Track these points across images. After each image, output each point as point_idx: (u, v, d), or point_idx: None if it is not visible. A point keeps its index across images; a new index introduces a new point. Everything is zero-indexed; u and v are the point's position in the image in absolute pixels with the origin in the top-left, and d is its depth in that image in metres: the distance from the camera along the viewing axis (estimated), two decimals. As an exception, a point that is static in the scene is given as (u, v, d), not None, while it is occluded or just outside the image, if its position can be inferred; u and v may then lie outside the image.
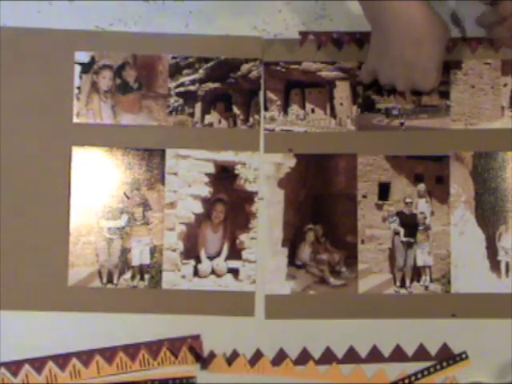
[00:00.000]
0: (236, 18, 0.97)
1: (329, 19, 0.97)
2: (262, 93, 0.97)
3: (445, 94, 0.97)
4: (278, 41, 0.97)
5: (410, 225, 0.96)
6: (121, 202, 0.96)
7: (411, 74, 0.89)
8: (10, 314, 0.94)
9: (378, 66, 0.91)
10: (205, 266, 0.95)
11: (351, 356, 0.94)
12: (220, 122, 0.97)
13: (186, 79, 0.97)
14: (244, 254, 0.95)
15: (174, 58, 0.97)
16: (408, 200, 0.96)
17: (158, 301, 0.94)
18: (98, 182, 0.96)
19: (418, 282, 0.95)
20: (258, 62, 0.97)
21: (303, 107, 0.97)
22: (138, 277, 0.95)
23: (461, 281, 0.95)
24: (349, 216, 0.96)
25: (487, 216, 0.96)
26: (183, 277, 0.95)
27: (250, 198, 0.96)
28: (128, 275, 0.95)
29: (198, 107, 0.97)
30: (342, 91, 0.97)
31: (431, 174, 0.97)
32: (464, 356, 0.94)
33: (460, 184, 0.96)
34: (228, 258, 0.95)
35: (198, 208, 0.96)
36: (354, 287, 0.95)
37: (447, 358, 0.94)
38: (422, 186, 0.96)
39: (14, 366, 0.93)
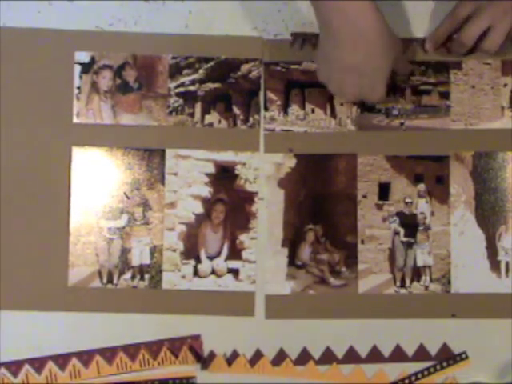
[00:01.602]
0: (236, 18, 0.97)
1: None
2: (262, 93, 0.97)
3: (445, 94, 0.97)
4: (277, 41, 0.97)
5: (410, 225, 0.96)
6: (121, 202, 0.96)
7: (360, 84, 0.88)
8: (9, 314, 0.94)
9: (328, 76, 0.90)
10: (205, 266, 0.95)
11: (351, 356, 0.94)
12: (220, 122, 0.97)
13: (186, 79, 0.97)
14: (244, 254, 0.95)
15: (174, 58, 0.97)
16: (408, 200, 0.96)
17: (158, 301, 0.95)
18: (98, 182, 0.96)
19: (418, 281, 0.95)
20: (257, 62, 0.97)
21: (303, 107, 0.97)
22: (138, 277, 0.95)
23: (461, 281, 0.95)
24: (349, 216, 0.96)
25: (487, 216, 0.96)
26: (183, 277, 0.95)
27: (250, 198, 0.96)
28: (128, 275, 0.95)
29: (198, 107, 0.97)
30: (342, 91, 0.97)
31: (431, 173, 0.97)
32: (464, 356, 0.94)
33: (460, 184, 0.96)
34: (228, 258, 0.95)
35: (198, 208, 0.96)
36: (354, 287, 0.95)
37: (447, 358, 0.94)
38: (422, 186, 0.96)
39: (14, 366, 0.93)
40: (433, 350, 0.95)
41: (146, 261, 0.95)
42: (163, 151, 0.96)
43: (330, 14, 0.83)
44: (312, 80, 0.97)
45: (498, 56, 0.96)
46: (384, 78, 0.88)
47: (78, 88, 0.96)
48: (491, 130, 0.97)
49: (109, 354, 0.93)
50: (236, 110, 0.97)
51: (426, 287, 0.95)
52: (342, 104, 0.97)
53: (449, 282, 0.95)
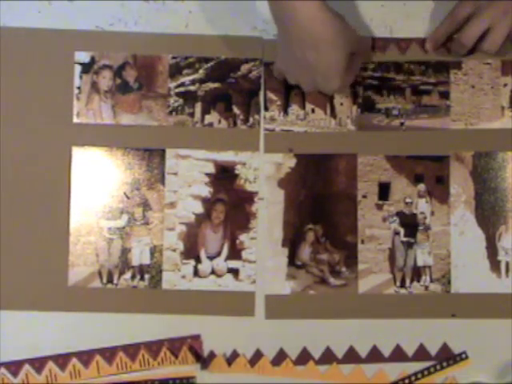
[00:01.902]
0: (236, 18, 0.97)
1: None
2: (262, 93, 0.97)
3: (445, 94, 0.97)
4: (278, 41, 0.97)
5: (410, 225, 0.96)
6: (121, 202, 0.96)
7: (314, 77, 0.88)
8: (9, 314, 0.94)
9: (285, 67, 0.91)
10: (205, 266, 0.95)
11: (351, 356, 0.94)
12: (220, 122, 0.97)
13: (186, 79, 0.97)
14: (244, 254, 0.95)
15: (174, 58, 0.97)
16: (408, 200, 0.96)
17: (158, 301, 0.94)
18: (98, 182, 0.96)
19: (418, 281, 0.95)
20: (257, 62, 0.97)
21: (303, 107, 0.97)
22: (138, 277, 0.95)
23: (461, 281, 0.95)
24: (349, 216, 0.96)
25: (487, 216, 0.96)
26: (183, 277, 0.95)
27: (250, 198, 0.96)
28: (128, 275, 0.95)
29: (198, 107, 0.97)
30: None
31: (431, 173, 0.97)
32: (464, 356, 0.94)
33: (460, 184, 0.96)
34: (228, 258, 0.95)
35: (198, 208, 0.96)
36: (354, 287, 0.95)
37: (447, 357, 0.94)
38: (422, 186, 0.96)
39: (14, 366, 0.93)
40: (433, 350, 0.94)
41: (146, 261, 0.95)
42: (163, 151, 0.96)
43: (281, 13, 0.84)
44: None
45: (498, 56, 0.96)
46: (338, 73, 0.87)
47: (78, 88, 0.96)
48: (491, 129, 0.97)
49: (109, 354, 0.93)
50: (236, 110, 0.97)
51: (426, 287, 0.95)
52: (341, 104, 0.97)
53: (449, 282, 0.95)
